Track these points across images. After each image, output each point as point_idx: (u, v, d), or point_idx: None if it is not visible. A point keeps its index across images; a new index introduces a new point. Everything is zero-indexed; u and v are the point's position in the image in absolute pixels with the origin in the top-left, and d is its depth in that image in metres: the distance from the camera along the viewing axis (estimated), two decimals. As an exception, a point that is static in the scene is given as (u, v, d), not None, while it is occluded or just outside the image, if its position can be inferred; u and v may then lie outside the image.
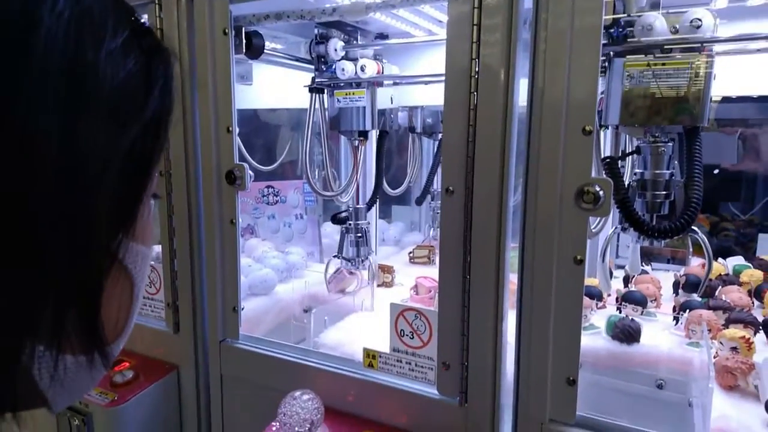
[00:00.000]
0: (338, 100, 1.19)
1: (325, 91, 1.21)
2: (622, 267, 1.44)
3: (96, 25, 0.28)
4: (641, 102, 0.74)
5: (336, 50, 1.15)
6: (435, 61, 1.26)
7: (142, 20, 0.32)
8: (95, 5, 0.28)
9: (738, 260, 1.42)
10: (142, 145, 0.30)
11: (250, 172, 1.01)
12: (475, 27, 0.71)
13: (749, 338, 0.86)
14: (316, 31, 1.15)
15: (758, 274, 1.25)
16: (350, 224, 1.29)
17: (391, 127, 1.32)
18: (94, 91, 0.27)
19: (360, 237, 1.28)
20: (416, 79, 1.25)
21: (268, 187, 1.71)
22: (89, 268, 0.28)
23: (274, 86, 1.51)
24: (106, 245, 0.30)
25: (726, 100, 1.57)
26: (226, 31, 0.96)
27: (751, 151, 1.77)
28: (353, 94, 1.18)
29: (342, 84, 1.17)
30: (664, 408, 0.90)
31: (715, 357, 0.87)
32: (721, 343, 0.88)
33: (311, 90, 1.20)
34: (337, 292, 1.32)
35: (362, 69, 1.13)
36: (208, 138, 1.01)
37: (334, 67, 1.15)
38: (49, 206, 0.25)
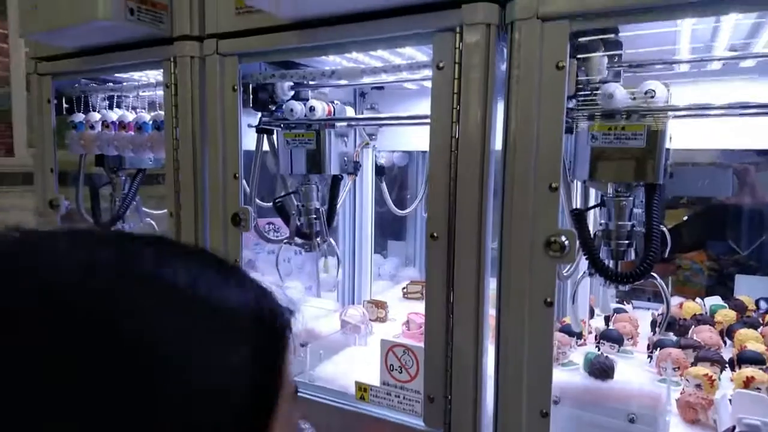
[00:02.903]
0: (288, 141, 1.14)
1: (275, 131, 1.15)
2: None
3: (219, 348, 0.32)
4: (604, 161, 0.83)
5: (284, 90, 1.13)
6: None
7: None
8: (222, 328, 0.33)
9: (716, 300, 1.48)
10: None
11: (254, 214, 1.09)
12: (455, 96, 0.81)
13: (712, 376, 0.93)
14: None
15: (731, 314, 1.32)
16: (300, 206, 1.16)
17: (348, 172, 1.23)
18: (213, 405, 0.31)
19: (315, 218, 1.17)
20: (377, 122, 1.31)
21: (268, 223, 1.80)
22: None
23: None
24: None
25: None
26: (235, 87, 1.06)
27: (746, 187, 1.80)
28: (303, 135, 1.13)
29: (293, 125, 1.12)
30: (636, 441, 0.95)
31: (681, 393, 0.93)
32: (687, 380, 0.94)
33: (259, 130, 1.14)
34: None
35: (311, 110, 1.09)
36: (216, 183, 1.10)
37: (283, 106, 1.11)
38: None
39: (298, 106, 1.10)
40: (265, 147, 1.16)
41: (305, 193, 1.17)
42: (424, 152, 1.71)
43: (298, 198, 1.18)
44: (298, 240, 1.19)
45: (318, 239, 1.19)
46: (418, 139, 1.37)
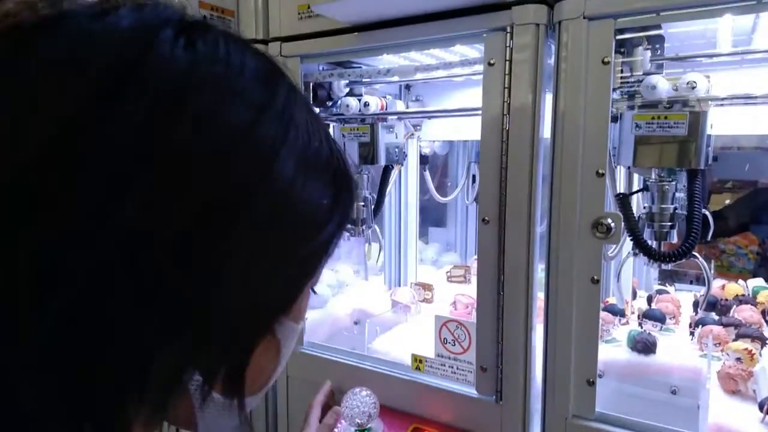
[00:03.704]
0: (344, 135, 1.26)
1: (331, 125, 1.26)
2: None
3: (314, 170, 0.35)
4: (647, 148, 0.88)
5: (340, 87, 1.24)
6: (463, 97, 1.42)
7: (339, 156, 0.38)
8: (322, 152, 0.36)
9: (759, 282, 1.50)
10: (314, 259, 0.37)
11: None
12: (505, 90, 0.88)
13: (752, 350, 0.97)
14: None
15: (774, 295, 1.34)
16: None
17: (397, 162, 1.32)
18: (292, 216, 0.33)
19: (363, 206, 1.28)
20: (427, 115, 1.39)
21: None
22: (249, 341, 0.35)
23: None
24: (267, 326, 0.37)
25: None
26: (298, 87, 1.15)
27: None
28: (358, 129, 1.23)
29: (348, 120, 1.22)
30: (678, 411, 1.01)
31: (722, 366, 0.99)
32: (727, 354, 0.99)
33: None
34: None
35: (365, 105, 1.18)
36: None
37: (339, 102, 1.21)
38: (229, 300, 0.31)
39: (354, 102, 1.20)
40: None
41: (357, 182, 1.26)
42: (464, 141, 1.78)
43: (351, 186, 1.27)
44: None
45: (363, 226, 1.29)
46: (460, 129, 1.44)
